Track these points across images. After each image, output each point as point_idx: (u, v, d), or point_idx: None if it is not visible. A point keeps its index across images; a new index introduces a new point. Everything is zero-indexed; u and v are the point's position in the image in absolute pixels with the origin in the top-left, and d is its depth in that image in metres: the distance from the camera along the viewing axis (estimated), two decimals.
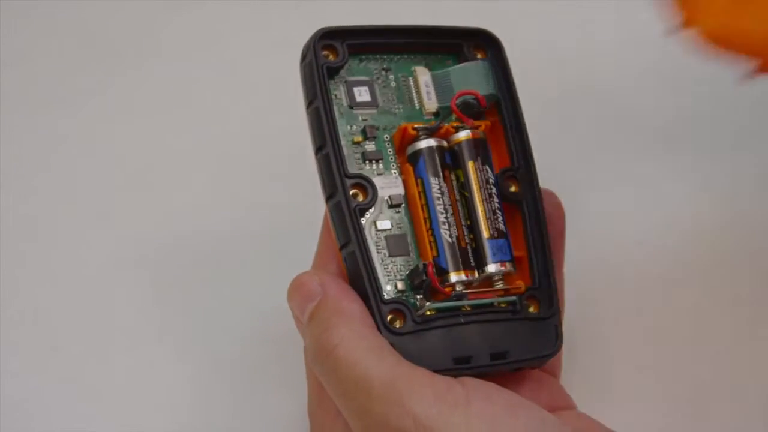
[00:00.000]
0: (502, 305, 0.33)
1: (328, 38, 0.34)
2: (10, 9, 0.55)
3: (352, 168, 0.33)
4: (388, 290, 0.32)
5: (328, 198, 0.33)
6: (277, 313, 0.41)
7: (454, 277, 0.32)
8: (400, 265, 0.33)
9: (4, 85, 0.51)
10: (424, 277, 0.32)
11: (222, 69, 0.53)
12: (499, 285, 0.33)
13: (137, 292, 0.44)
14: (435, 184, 0.33)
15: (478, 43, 0.36)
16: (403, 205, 0.34)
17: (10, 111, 0.50)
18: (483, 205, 0.34)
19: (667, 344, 0.43)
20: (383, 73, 0.36)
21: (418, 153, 0.34)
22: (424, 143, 0.34)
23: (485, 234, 0.33)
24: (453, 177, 0.34)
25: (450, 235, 0.33)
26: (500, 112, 0.35)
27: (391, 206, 0.34)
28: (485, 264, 0.33)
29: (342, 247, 0.32)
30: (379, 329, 0.31)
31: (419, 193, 0.33)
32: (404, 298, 0.32)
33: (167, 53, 0.54)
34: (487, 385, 0.30)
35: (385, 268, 0.33)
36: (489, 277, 0.33)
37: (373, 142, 0.34)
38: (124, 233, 0.46)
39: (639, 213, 0.48)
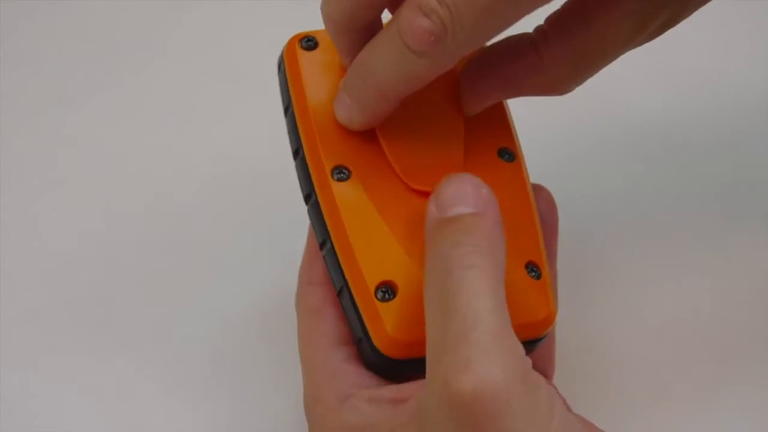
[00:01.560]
0: None
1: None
2: (12, 9, 0.55)
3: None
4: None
5: (306, 199, 0.33)
6: (278, 313, 0.41)
7: None
8: None
9: (5, 85, 0.52)
10: None
11: (223, 69, 0.53)
12: None
13: (136, 291, 0.44)
14: None
15: None
16: None
17: (11, 110, 0.51)
18: None
19: (666, 344, 0.43)
20: None
21: None
22: None
23: None
24: None
25: None
26: None
27: None
28: None
29: (321, 247, 0.33)
30: None
31: None
32: None
33: (169, 53, 0.54)
34: None
35: None
36: None
37: None
38: (125, 232, 0.46)
39: (637, 212, 0.48)
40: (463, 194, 0.29)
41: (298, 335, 0.34)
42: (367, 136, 0.33)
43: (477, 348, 0.26)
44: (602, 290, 0.44)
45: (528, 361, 0.28)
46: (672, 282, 0.45)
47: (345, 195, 0.32)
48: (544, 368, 0.35)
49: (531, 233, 0.33)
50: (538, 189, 0.35)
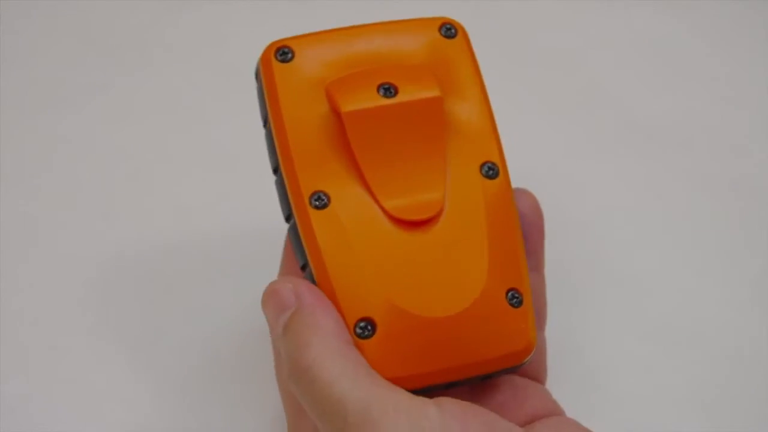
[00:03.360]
0: None
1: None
2: (12, 9, 0.55)
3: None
4: None
5: (286, 219, 0.33)
6: None
7: None
8: None
9: (5, 85, 0.52)
10: None
11: (223, 70, 0.53)
12: None
13: (134, 293, 0.44)
14: None
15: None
16: None
17: (9, 110, 0.51)
18: None
19: (661, 346, 0.42)
20: None
21: None
22: None
23: None
24: None
25: None
26: None
27: None
28: None
29: (303, 268, 0.32)
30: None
31: None
32: None
33: (168, 54, 0.54)
34: (463, 408, 0.29)
35: None
36: None
37: None
38: (125, 233, 0.46)
39: (635, 212, 0.48)
40: (276, 304, 0.31)
41: (275, 362, 0.34)
42: (346, 158, 0.32)
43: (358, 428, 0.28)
44: (598, 292, 0.44)
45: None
46: (670, 284, 0.45)
47: (323, 225, 0.31)
48: (536, 373, 0.35)
49: (514, 258, 0.32)
50: (521, 193, 0.35)
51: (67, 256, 0.45)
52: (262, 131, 0.46)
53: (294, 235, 0.32)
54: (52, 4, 0.56)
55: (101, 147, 0.49)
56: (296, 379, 0.29)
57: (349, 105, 0.32)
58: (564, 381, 0.38)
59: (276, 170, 0.33)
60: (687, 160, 0.49)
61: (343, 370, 0.29)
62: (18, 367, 0.41)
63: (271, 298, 0.31)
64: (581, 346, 0.42)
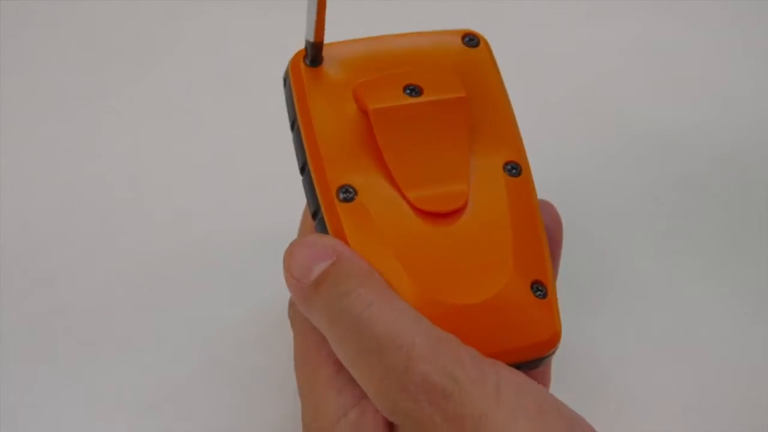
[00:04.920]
0: None
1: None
2: (12, 15, 0.55)
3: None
4: None
5: (313, 216, 0.33)
6: (277, 321, 0.41)
7: None
8: None
9: (5, 90, 0.52)
10: None
11: (224, 75, 0.53)
12: None
13: (135, 298, 0.44)
14: None
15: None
16: None
17: (12, 116, 0.51)
18: None
19: (663, 352, 0.43)
20: None
21: None
22: None
23: None
24: None
25: None
26: None
27: None
28: None
29: None
30: None
31: None
32: None
33: (170, 60, 0.54)
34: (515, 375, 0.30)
35: None
36: None
37: None
38: (125, 238, 0.46)
39: (635, 219, 0.48)
40: (311, 254, 0.31)
41: (294, 353, 0.34)
42: (373, 154, 0.33)
43: (425, 361, 0.28)
44: (598, 298, 0.45)
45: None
46: (672, 290, 0.45)
47: (351, 217, 0.32)
48: (540, 378, 0.35)
49: (537, 251, 0.33)
50: (544, 205, 0.35)
51: (65, 262, 0.45)
52: (264, 137, 0.47)
53: (321, 229, 0.33)
54: (53, 10, 0.56)
55: (101, 153, 0.49)
56: (347, 321, 0.29)
57: (376, 103, 0.33)
58: (566, 386, 0.38)
59: (303, 169, 0.34)
60: (688, 165, 0.50)
61: (403, 311, 0.29)
62: (18, 375, 0.41)
63: (304, 247, 0.31)
64: (583, 352, 0.42)
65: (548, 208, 0.35)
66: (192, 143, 0.50)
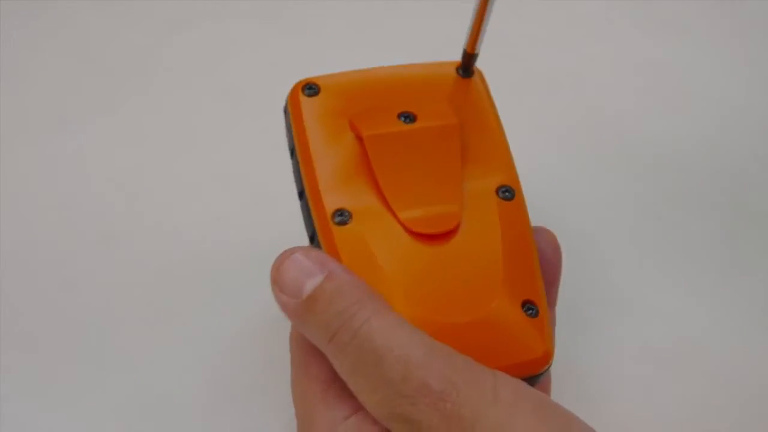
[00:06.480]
0: None
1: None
2: (13, 31, 0.55)
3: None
4: None
5: (311, 240, 0.34)
6: (276, 337, 0.41)
7: None
8: None
9: (6, 105, 0.52)
10: None
11: (224, 91, 0.53)
12: None
13: (135, 314, 0.44)
14: None
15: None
16: None
17: (12, 131, 0.51)
18: None
19: (660, 368, 0.43)
20: None
21: None
22: None
23: None
24: None
25: None
26: None
27: None
28: None
29: None
30: None
31: None
32: None
33: (169, 75, 0.54)
34: (512, 378, 0.30)
35: None
36: None
37: None
38: (124, 255, 0.46)
39: (633, 234, 0.48)
40: (301, 270, 0.31)
41: (292, 371, 0.34)
42: (368, 180, 0.34)
43: (422, 368, 0.28)
44: (595, 314, 0.45)
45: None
46: (674, 308, 0.45)
47: (345, 239, 0.33)
48: (541, 385, 0.35)
49: (529, 271, 0.33)
50: (541, 231, 0.35)
51: (65, 279, 0.45)
52: (263, 153, 0.47)
53: None
54: (52, 26, 0.56)
55: (101, 168, 0.49)
56: (345, 336, 0.29)
57: (371, 130, 0.34)
58: (565, 403, 0.38)
59: (301, 195, 0.35)
60: (685, 181, 0.50)
61: (399, 323, 0.29)
62: (18, 389, 0.41)
63: (292, 266, 0.31)
64: (580, 368, 0.42)
65: (547, 234, 0.36)
66: (192, 158, 0.50)
